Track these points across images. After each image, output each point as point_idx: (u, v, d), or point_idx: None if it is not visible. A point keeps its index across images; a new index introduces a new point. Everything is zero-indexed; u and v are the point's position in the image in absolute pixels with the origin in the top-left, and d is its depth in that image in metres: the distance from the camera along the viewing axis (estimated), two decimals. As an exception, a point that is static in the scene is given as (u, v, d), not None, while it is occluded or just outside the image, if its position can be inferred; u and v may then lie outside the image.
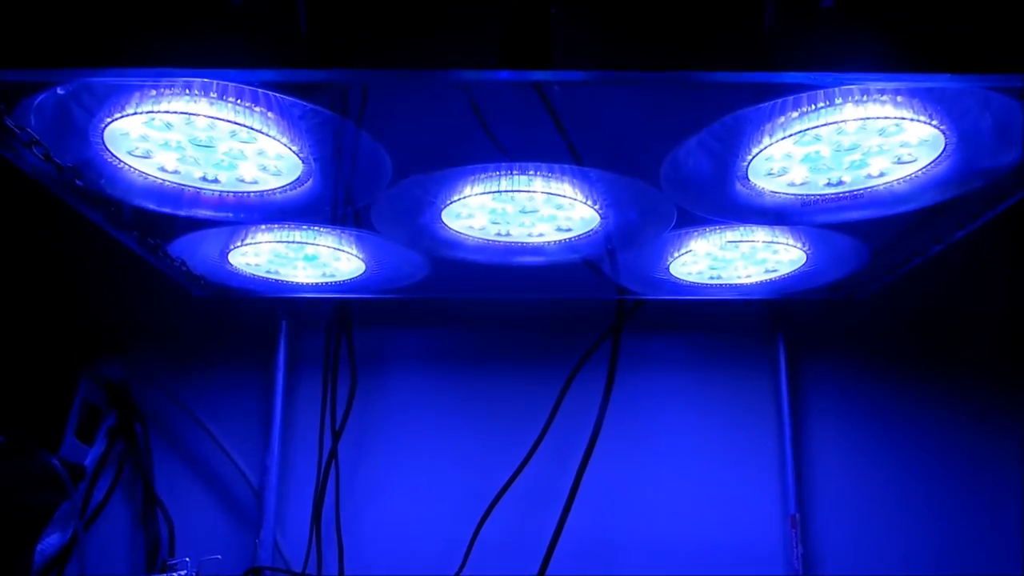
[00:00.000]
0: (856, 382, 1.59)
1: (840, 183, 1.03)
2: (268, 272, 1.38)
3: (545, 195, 1.07)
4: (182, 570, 1.27)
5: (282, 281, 1.41)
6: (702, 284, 1.40)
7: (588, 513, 1.52)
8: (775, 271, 1.34)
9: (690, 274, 1.37)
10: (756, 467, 1.56)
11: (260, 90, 0.90)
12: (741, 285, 1.40)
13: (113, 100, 0.90)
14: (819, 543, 1.51)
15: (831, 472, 1.55)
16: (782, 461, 1.54)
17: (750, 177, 1.02)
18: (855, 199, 1.06)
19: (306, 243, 1.26)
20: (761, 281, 1.38)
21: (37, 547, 1.46)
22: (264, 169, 1.02)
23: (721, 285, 1.40)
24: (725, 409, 1.59)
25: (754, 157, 0.96)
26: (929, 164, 0.98)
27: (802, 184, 1.04)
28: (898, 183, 1.02)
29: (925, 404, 1.58)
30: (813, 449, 1.56)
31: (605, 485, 1.54)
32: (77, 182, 1.00)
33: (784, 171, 1.01)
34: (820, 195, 1.06)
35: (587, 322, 1.59)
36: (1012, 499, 1.52)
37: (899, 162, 0.99)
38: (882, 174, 1.01)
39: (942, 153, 0.96)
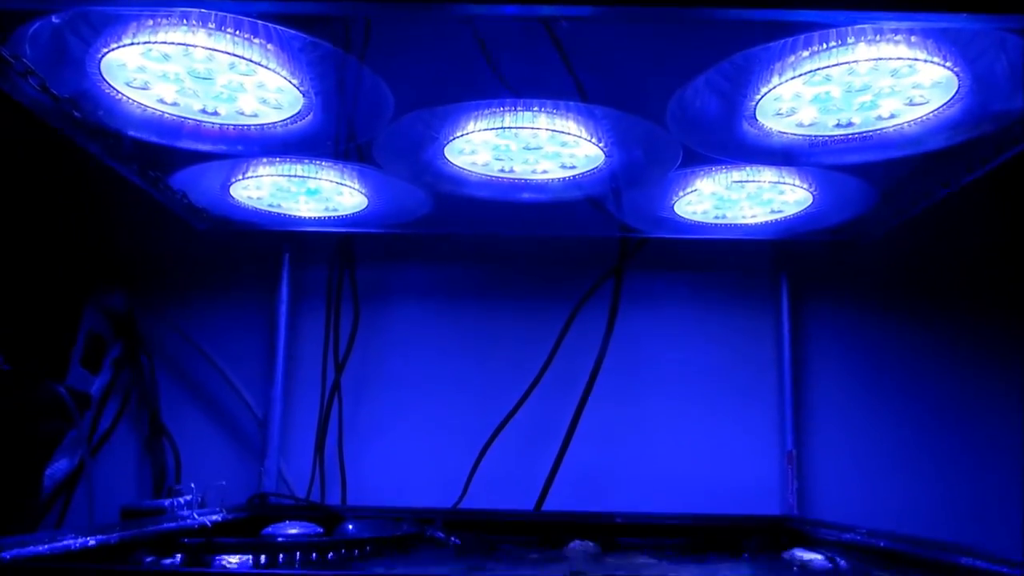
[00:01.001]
0: (857, 323, 1.60)
1: (850, 124, 1.01)
2: (270, 206, 1.37)
3: (549, 132, 1.06)
4: (188, 495, 1.29)
5: (284, 214, 1.40)
6: (706, 223, 1.39)
7: (586, 448, 1.54)
8: (781, 212, 1.33)
9: (695, 213, 1.36)
10: (755, 405, 1.57)
11: (259, 22, 0.88)
12: (746, 225, 1.39)
13: (109, 30, 0.88)
14: (815, 480, 1.53)
15: (829, 411, 1.57)
16: (781, 400, 1.55)
17: (758, 117, 1.00)
18: (864, 140, 1.04)
19: (308, 177, 1.25)
20: (766, 221, 1.37)
21: (46, 472, 1.49)
22: (264, 102, 1.00)
23: (726, 225, 1.39)
24: (726, 348, 1.60)
25: (762, 97, 0.95)
26: (941, 107, 0.96)
27: (811, 125, 1.02)
28: (908, 125, 1.00)
29: (925, 347, 1.58)
30: (812, 388, 1.57)
31: (604, 420, 1.56)
32: (74, 113, 0.99)
33: (793, 111, 0.99)
34: (829, 136, 1.04)
35: (590, 260, 1.59)
36: (1010, 440, 1.54)
37: (911, 104, 0.97)
38: (892, 116, 0.99)
39: (955, 96, 0.94)
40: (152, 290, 1.62)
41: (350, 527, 1.31)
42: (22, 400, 1.38)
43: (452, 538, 1.30)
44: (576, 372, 1.55)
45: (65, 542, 0.88)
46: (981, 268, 1.59)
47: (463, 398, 1.59)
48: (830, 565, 1.15)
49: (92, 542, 0.92)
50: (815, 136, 1.04)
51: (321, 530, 1.27)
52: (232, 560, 1.08)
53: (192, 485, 1.26)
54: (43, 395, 1.41)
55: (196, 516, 1.20)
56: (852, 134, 1.03)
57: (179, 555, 1.05)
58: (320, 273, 1.62)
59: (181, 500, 1.25)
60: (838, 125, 1.02)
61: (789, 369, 1.55)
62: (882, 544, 1.08)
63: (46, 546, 0.85)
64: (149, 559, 1.02)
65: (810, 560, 1.19)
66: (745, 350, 1.59)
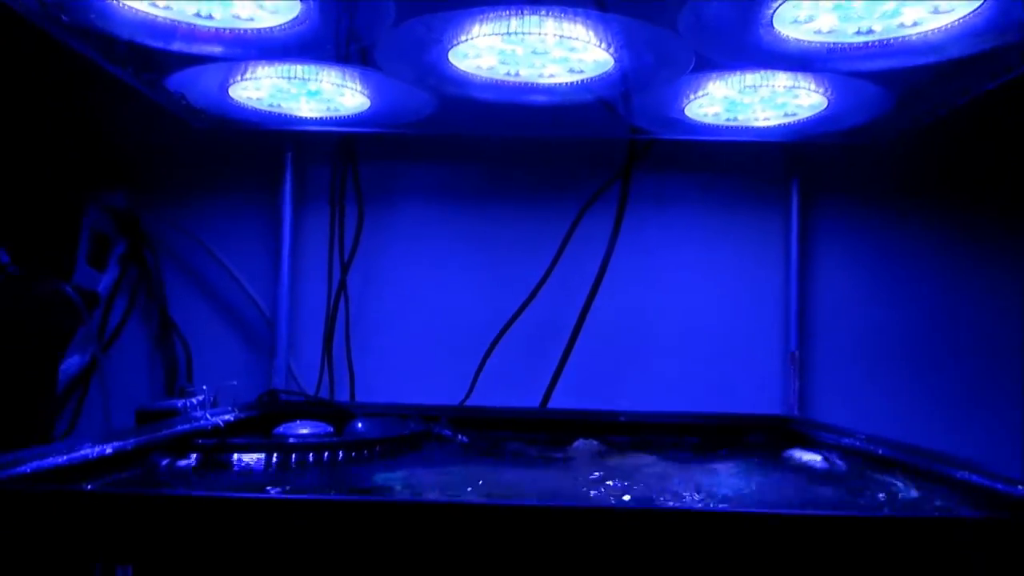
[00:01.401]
0: (866, 228, 1.58)
1: (870, 32, 0.97)
2: (270, 106, 1.34)
3: (557, 37, 1.02)
4: (200, 396, 1.32)
5: (285, 114, 1.37)
6: (718, 125, 1.36)
7: (592, 346, 1.56)
8: (794, 115, 1.30)
9: (706, 116, 1.32)
10: (761, 306, 1.58)
11: (252, -77, 0.83)
12: (758, 128, 1.36)
13: (94, -68, 0.84)
14: (817, 382, 1.56)
15: (834, 314, 1.57)
16: (786, 300, 1.56)
17: (775, 25, 0.96)
18: (884, 47, 1.00)
19: (308, 79, 1.22)
20: (779, 124, 1.34)
21: (60, 367, 1.52)
22: (261, 7, 0.96)
23: (737, 127, 1.36)
24: (733, 249, 1.59)
25: (780, 5, 0.90)
26: (967, 15, 0.92)
27: (829, 32, 0.98)
28: (932, 33, 0.96)
29: (933, 252, 1.57)
30: (818, 290, 1.58)
31: (610, 319, 1.57)
32: (62, 17, 0.95)
33: (811, 19, 0.95)
34: (848, 43, 1.00)
35: (598, 161, 1.57)
36: (1012, 344, 1.55)
37: (935, 12, 0.92)
38: (916, 23, 0.95)
39: (981, 4, 0.89)
40: (154, 189, 1.60)
41: (359, 425, 1.34)
42: (31, 300, 1.39)
43: (459, 436, 1.33)
44: (583, 271, 1.55)
45: (83, 452, 0.90)
46: (993, 174, 1.56)
47: (469, 296, 1.60)
48: (828, 466, 1.18)
49: (109, 450, 0.94)
50: (834, 43, 1.00)
51: (331, 429, 1.30)
52: (246, 460, 1.12)
53: (204, 387, 1.28)
54: (51, 294, 1.42)
55: (209, 417, 1.22)
56: (872, 41, 0.99)
57: (194, 456, 1.08)
58: (323, 172, 1.60)
59: (194, 400, 1.28)
60: (858, 33, 0.98)
61: (796, 271, 1.55)
62: (881, 452, 1.11)
63: (64, 457, 0.87)
64: (165, 461, 1.05)
65: (809, 461, 1.22)
66: (752, 252, 1.59)
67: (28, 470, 0.80)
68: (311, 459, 1.16)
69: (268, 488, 0.95)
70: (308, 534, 0.65)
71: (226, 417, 1.25)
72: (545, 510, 0.66)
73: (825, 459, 1.20)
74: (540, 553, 0.64)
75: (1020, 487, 0.82)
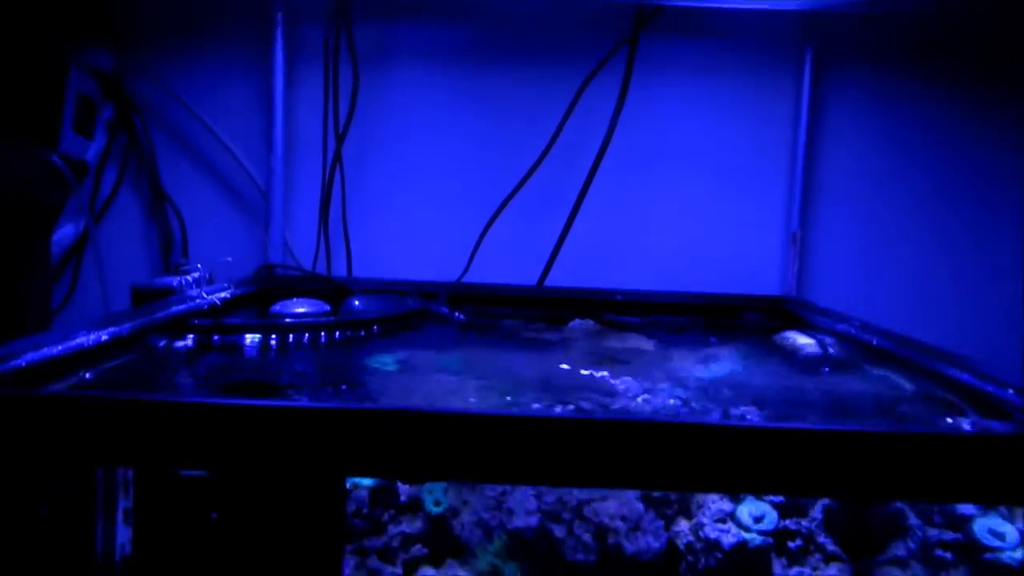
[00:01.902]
0: (877, 101, 1.53)
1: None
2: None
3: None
4: (195, 273, 1.31)
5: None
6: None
7: (592, 224, 1.54)
8: (812, -17, 1.22)
9: (719, -17, 1.25)
10: (764, 184, 1.55)
11: None
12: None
13: None
14: (816, 264, 1.55)
15: (838, 195, 1.54)
16: (791, 179, 1.53)
17: None
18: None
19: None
20: (795, -7, 1.26)
21: (53, 238, 1.50)
22: None
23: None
24: (741, 124, 1.54)
25: None
26: None
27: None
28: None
29: (942, 131, 1.52)
30: (824, 169, 1.54)
31: (611, 196, 1.55)
32: None
33: None
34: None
35: (604, 26, 1.49)
36: (1015, 224, 1.53)
37: None
38: None
39: None
40: (139, 49, 1.53)
41: (356, 303, 1.34)
42: (19, 171, 1.36)
43: (456, 314, 1.33)
44: (585, 144, 1.51)
45: (78, 340, 0.89)
46: (1006, 48, 1.49)
47: (469, 169, 1.56)
48: (821, 351, 1.19)
49: (105, 336, 0.94)
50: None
51: (328, 308, 1.29)
52: (244, 339, 1.12)
53: (199, 266, 1.27)
54: (39, 165, 1.39)
55: (205, 295, 1.22)
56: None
57: (190, 337, 1.09)
58: (316, 34, 1.53)
59: (189, 278, 1.27)
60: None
61: (803, 149, 1.51)
62: (875, 342, 1.11)
63: (59, 347, 0.86)
64: (161, 343, 1.05)
65: (803, 344, 1.22)
66: (760, 128, 1.54)
67: (23, 363, 0.79)
68: (307, 340, 1.16)
69: (266, 381, 0.96)
70: (304, 439, 0.65)
71: (222, 295, 1.25)
72: (545, 421, 0.66)
73: (819, 343, 1.21)
74: (539, 460, 0.64)
75: (1011, 390, 0.83)
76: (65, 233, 1.54)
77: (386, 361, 1.08)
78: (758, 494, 1.18)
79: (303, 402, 0.68)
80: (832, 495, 1.13)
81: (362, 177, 1.56)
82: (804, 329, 1.28)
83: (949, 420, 0.81)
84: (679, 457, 0.64)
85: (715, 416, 0.87)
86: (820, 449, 0.64)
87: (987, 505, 1.16)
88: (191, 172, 1.56)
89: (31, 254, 1.42)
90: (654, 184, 1.56)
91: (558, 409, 0.84)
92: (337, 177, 1.54)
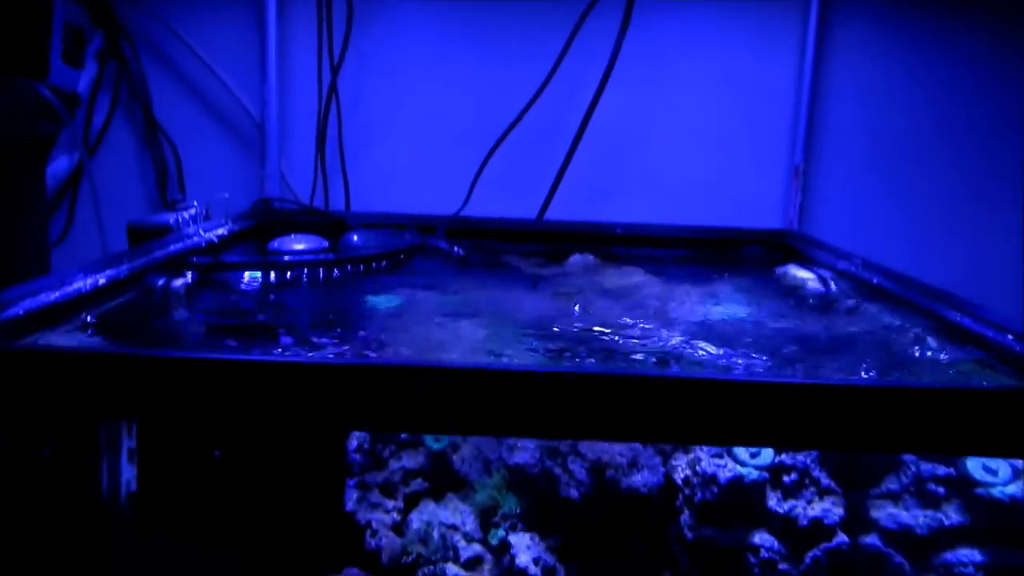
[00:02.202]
0: (885, 36, 1.48)
1: None
2: None
3: None
4: (192, 209, 1.29)
5: None
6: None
7: (593, 156, 1.51)
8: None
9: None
10: (769, 116, 1.52)
11: None
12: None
13: None
14: (819, 196, 1.53)
15: (843, 126, 1.52)
16: (796, 111, 1.50)
17: None
18: None
19: None
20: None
21: (47, 171, 1.48)
22: None
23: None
24: (747, 51, 1.51)
25: None
26: None
27: None
28: None
29: (952, 68, 1.48)
30: (830, 102, 1.51)
31: (612, 127, 1.52)
32: None
33: None
34: None
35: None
36: (1015, 159, 1.51)
37: None
38: None
39: None
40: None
41: (354, 238, 1.33)
42: (5, 105, 1.33)
43: (455, 248, 1.32)
44: (587, 76, 1.47)
45: (75, 285, 0.89)
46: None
47: (467, 100, 1.53)
48: (822, 288, 1.18)
49: (102, 280, 0.93)
50: None
51: (326, 243, 1.29)
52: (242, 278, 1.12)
53: (195, 203, 1.26)
54: (27, 97, 1.36)
55: (202, 233, 1.21)
56: None
57: (189, 275, 1.08)
58: (308, -41, 1.48)
59: (186, 215, 1.26)
60: None
61: (809, 81, 1.48)
62: (875, 281, 1.11)
63: (57, 293, 0.86)
64: (161, 282, 1.05)
65: (804, 280, 1.22)
66: (765, 59, 1.50)
67: (21, 312, 0.79)
68: (306, 277, 1.16)
69: (263, 322, 0.96)
70: (305, 395, 0.66)
71: (219, 232, 1.24)
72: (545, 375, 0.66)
73: (820, 279, 1.21)
74: (537, 412, 0.65)
75: (1010, 336, 0.83)
76: (59, 166, 1.52)
77: (385, 299, 1.07)
78: (753, 445, 1.20)
79: (304, 357, 0.67)
80: (827, 447, 1.14)
81: (358, 109, 1.53)
82: (805, 264, 1.27)
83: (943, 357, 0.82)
84: (672, 410, 0.64)
85: (711, 362, 0.87)
86: (815, 403, 0.64)
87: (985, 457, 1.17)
88: (184, 104, 1.53)
89: (25, 188, 1.40)
90: (656, 117, 1.53)
91: (554, 350, 0.85)
92: (333, 109, 1.51)
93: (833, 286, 1.18)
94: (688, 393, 0.64)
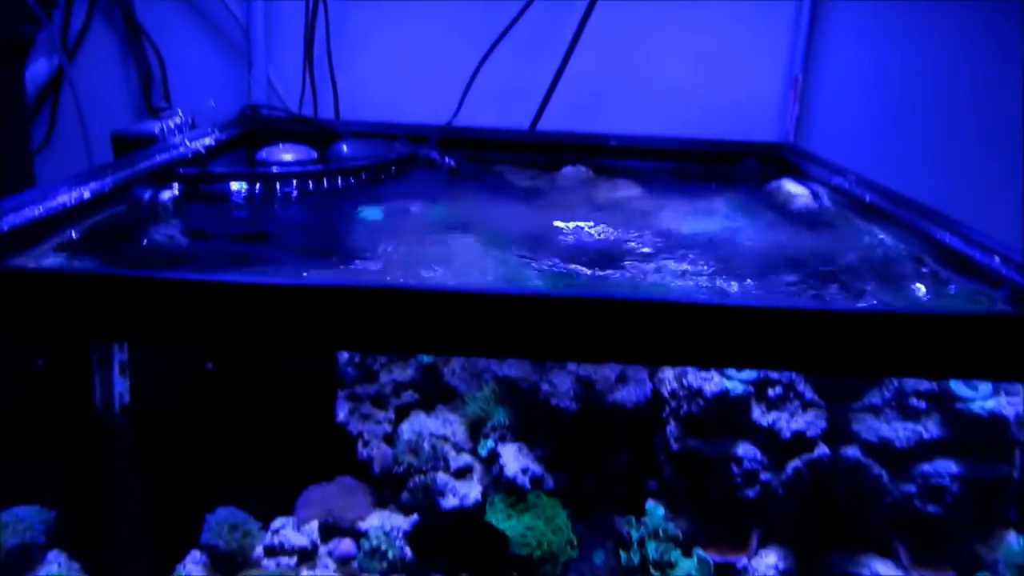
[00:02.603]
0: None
1: None
2: None
3: None
4: (176, 118, 1.26)
5: None
6: None
7: (587, 65, 1.47)
8: None
9: None
10: (768, 25, 1.48)
11: None
12: None
13: None
14: (816, 112, 1.50)
15: (844, 37, 1.47)
16: (797, 21, 1.46)
17: None
18: None
19: None
20: None
21: (26, 75, 1.44)
22: None
23: None
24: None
25: None
26: None
27: None
28: None
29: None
30: (831, 12, 1.46)
31: (608, 35, 1.48)
32: None
33: None
34: None
35: None
36: (1013, 85, 1.48)
37: None
38: None
39: None
40: None
41: (344, 148, 1.31)
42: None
43: (447, 159, 1.31)
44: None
45: (59, 200, 0.87)
46: None
47: (460, 5, 1.48)
48: (815, 204, 1.18)
49: (87, 194, 0.92)
50: None
51: (315, 154, 1.27)
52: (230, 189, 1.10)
53: (179, 110, 1.23)
54: (3, -3, 1.31)
55: (189, 143, 1.19)
56: None
57: (176, 186, 1.07)
58: None
59: (171, 124, 1.23)
60: None
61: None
62: (868, 198, 1.10)
63: (41, 208, 0.84)
64: (147, 194, 1.03)
65: (796, 195, 1.21)
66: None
67: (5, 228, 0.78)
68: (295, 188, 1.14)
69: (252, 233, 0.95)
70: (295, 316, 0.66)
71: (206, 141, 1.21)
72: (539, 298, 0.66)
73: (813, 195, 1.20)
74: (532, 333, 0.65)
75: (997, 257, 0.83)
76: (38, 71, 1.48)
77: (375, 211, 1.06)
78: (739, 368, 1.21)
79: (294, 279, 0.67)
80: (811, 370, 1.16)
81: (348, 13, 1.48)
82: (799, 179, 1.26)
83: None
84: (659, 333, 0.65)
85: (695, 274, 0.87)
86: (801, 328, 0.65)
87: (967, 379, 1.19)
88: (167, 5, 1.48)
89: (2, 90, 1.37)
90: (652, 25, 1.48)
91: (545, 266, 0.85)
92: (321, 12, 1.46)
93: (826, 202, 1.17)
94: (672, 316, 0.64)
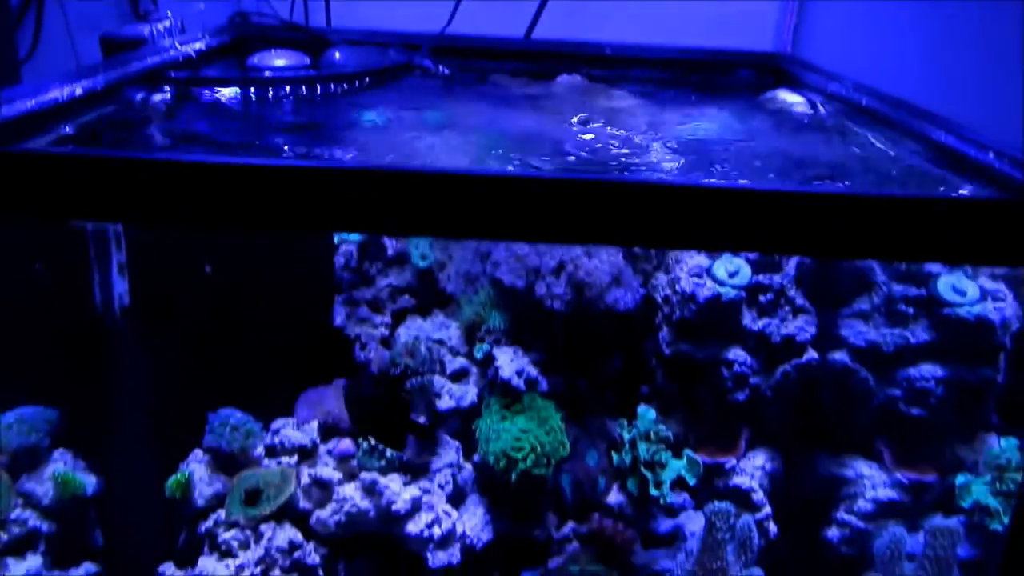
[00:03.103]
0: None
1: None
2: None
3: None
4: (164, 21, 1.24)
5: None
6: None
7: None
8: None
9: None
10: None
11: None
12: None
13: None
14: (815, 21, 1.48)
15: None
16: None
17: None
18: None
19: None
20: None
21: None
22: None
23: None
24: None
25: None
26: None
27: None
28: None
29: None
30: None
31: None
32: None
33: None
34: None
35: None
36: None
37: None
38: None
39: None
40: None
41: (336, 55, 1.29)
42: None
43: (440, 67, 1.29)
44: None
45: (51, 95, 0.87)
46: None
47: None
48: (810, 111, 1.17)
49: (79, 90, 0.91)
50: None
51: (307, 60, 1.25)
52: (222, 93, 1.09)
53: (169, 14, 1.21)
54: None
55: (179, 47, 1.17)
56: None
57: (168, 90, 1.06)
58: None
59: (160, 28, 1.21)
60: None
61: None
62: (864, 102, 1.10)
63: (32, 101, 0.84)
64: (139, 96, 1.02)
65: (791, 104, 1.21)
66: None
67: (-1, 119, 0.78)
68: (288, 93, 1.13)
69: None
70: (292, 197, 0.66)
71: (196, 46, 1.20)
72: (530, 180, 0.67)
73: (809, 103, 1.19)
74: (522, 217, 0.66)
75: (991, 153, 0.83)
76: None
77: (369, 116, 1.06)
78: (736, 251, 1.22)
79: (291, 160, 0.67)
80: (804, 253, 1.17)
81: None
82: (796, 88, 1.25)
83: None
84: (656, 216, 0.66)
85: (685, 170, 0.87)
86: (798, 210, 0.66)
87: (954, 264, 1.21)
88: (152, -93, 1.44)
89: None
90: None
91: (541, 163, 0.85)
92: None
93: (821, 109, 1.17)
94: (668, 198, 0.65)
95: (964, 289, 1.23)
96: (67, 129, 0.85)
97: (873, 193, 0.66)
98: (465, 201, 0.64)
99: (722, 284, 1.24)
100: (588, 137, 1.01)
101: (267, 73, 1.16)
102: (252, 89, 1.10)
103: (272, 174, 0.64)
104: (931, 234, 0.67)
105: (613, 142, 0.99)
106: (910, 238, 0.66)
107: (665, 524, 1.28)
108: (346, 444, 1.16)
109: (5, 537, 1.11)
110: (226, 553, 1.11)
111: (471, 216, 0.64)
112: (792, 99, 1.21)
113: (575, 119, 1.05)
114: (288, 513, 1.14)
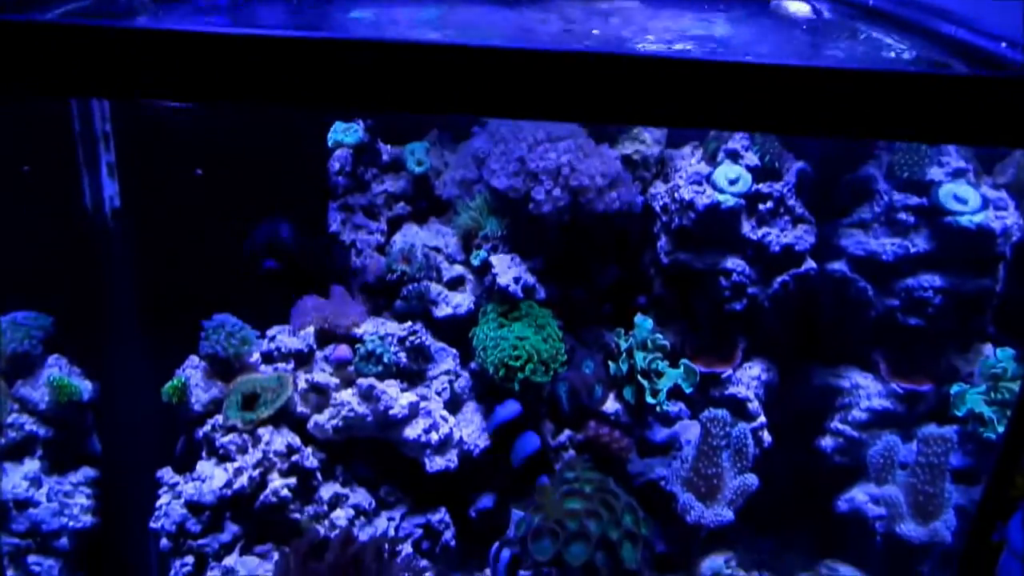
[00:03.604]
0: None
1: None
2: None
3: None
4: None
5: None
6: None
7: None
8: None
9: None
10: None
11: None
12: None
13: None
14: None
15: None
16: None
17: None
18: None
19: None
20: None
21: None
22: None
23: None
24: None
25: None
26: None
27: None
28: None
29: None
30: None
31: None
32: None
33: None
34: None
35: None
36: None
37: None
38: None
39: None
40: None
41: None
42: None
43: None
44: None
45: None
46: None
47: None
48: (815, 16, 1.15)
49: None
50: None
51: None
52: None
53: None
54: None
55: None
56: None
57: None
58: None
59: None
60: None
61: None
62: (871, 2, 1.07)
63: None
64: (124, -9, 0.99)
65: (795, 11, 1.18)
66: None
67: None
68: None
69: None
70: (284, 70, 0.64)
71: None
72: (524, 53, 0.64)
73: (813, 9, 1.17)
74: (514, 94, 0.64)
75: (1004, 44, 0.81)
76: None
77: (357, 12, 1.03)
78: (740, 129, 1.19)
79: (287, 32, 0.64)
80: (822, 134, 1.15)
81: None
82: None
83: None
84: (661, 91, 0.64)
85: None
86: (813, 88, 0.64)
87: (968, 144, 1.18)
88: None
89: None
90: None
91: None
92: None
93: (827, 15, 1.14)
94: (673, 71, 0.63)
95: (966, 197, 1.21)
96: (51, 17, 0.82)
97: (879, 68, 0.65)
98: (465, 74, 0.62)
99: (722, 192, 1.22)
100: (590, 33, 0.98)
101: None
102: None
103: (267, 45, 0.62)
104: (937, 111, 0.65)
105: (614, 38, 0.96)
106: (915, 115, 0.65)
107: (661, 432, 1.28)
108: (343, 350, 1.15)
109: (2, 442, 1.11)
110: (224, 457, 1.11)
111: (473, 91, 0.62)
112: (796, 7, 1.18)
113: (582, 23, 1.02)
114: (286, 418, 1.14)
